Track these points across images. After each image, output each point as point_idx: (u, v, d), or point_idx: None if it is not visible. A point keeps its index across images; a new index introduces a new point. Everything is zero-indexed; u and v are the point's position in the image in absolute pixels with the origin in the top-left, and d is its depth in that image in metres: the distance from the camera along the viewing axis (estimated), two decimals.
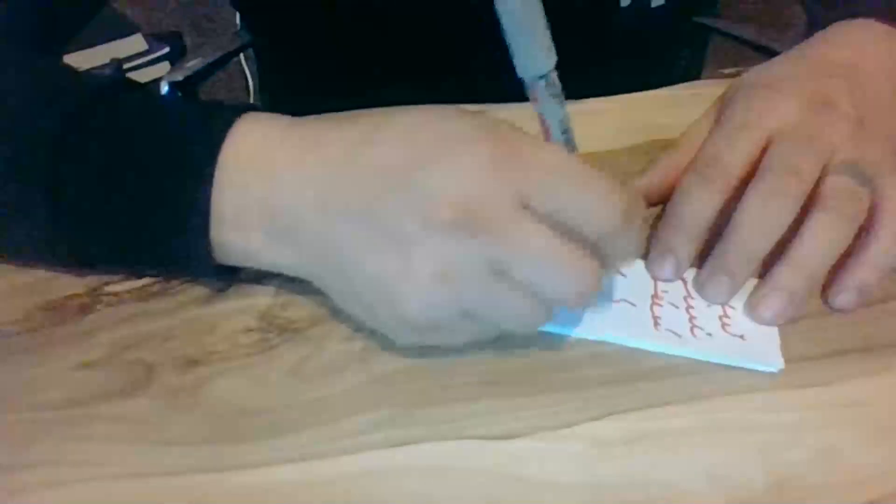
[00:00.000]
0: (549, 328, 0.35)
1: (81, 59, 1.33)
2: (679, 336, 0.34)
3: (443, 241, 0.29)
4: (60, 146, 0.32)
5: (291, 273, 0.34)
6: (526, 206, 0.29)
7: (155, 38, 1.44)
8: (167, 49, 1.43)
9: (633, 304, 0.36)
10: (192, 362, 0.33)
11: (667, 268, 0.37)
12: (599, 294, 0.36)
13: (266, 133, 0.33)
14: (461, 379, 0.33)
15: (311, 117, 0.33)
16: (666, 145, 0.43)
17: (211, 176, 0.32)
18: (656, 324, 0.35)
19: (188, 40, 1.53)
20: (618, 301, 0.36)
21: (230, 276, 0.36)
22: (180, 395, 0.32)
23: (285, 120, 0.34)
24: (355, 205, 0.30)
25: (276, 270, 0.35)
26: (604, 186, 0.30)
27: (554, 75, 0.30)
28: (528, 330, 0.32)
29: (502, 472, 0.30)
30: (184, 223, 0.32)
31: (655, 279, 0.37)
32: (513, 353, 0.34)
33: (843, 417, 0.31)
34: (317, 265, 0.33)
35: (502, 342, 0.34)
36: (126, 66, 1.38)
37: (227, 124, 0.33)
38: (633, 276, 0.37)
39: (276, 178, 0.32)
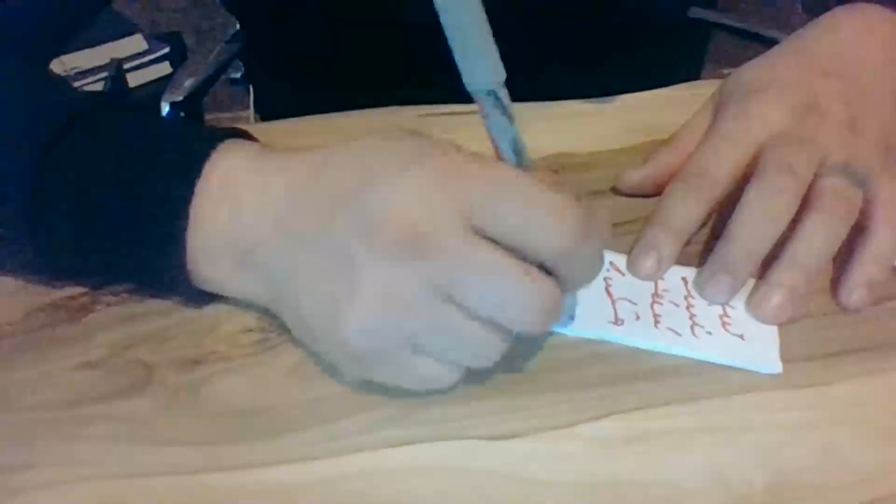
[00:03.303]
0: (553, 327, 0.34)
1: (81, 59, 1.33)
2: (679, 335, 0.34)
3: (387, 263, 0.28)
4: (41, 169, 0.32)
5: (257, 302, 0.34)
6: (473, 226, 0.28)
7: (155, 38, 1.44)
8: (167, 49, 1.43)
9: (633, 303, 0.36)
10: (192, 362, 0.33)
11: (648, 264, 0.37)
12: (600, 293, 0.36)
13: (237, 163, 0.33)
14: (461, 379, 0.33)
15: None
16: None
17: (185, 213, 0.32)
18: (656, 322, 0.35)
19: (188, 40, 1.53)
20: (618, 300, 0.36)
21: (211, 298, 0.35)
22: (180, 395, 0.32)
23: (257, 147, 0.34)
24: (309, 228, 0.30)
25: (243, 298, 0.34)
26: (553, 202, 0.28)
27: (503, 91, 0.29)
28: (483, 362, 0.30)
29: (502, 472, 0.30)
30: (159, 259, 0.32)
31: (636, 276, 0.37)
32: (513, 353, 0.34)
33: (843, 417, 0.31)
34: (274, 292, 0.32)
35: None
36: (126, 66, 1.38)
37: (202, 157, 0.32)
38: (633, 275, 0.37)
39: (242, 203, 0.32)
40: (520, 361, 0.33)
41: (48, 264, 0.35)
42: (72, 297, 0.36)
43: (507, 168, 0.29)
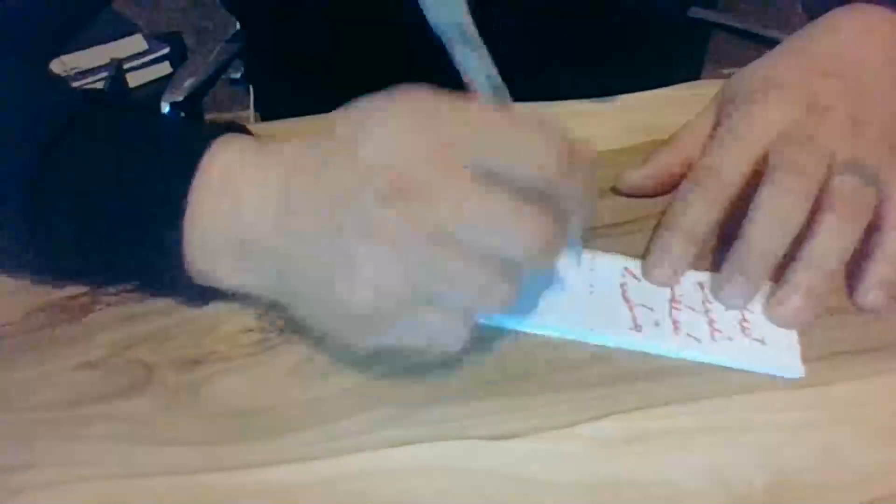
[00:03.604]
0: (569, 334, 0.34)
1: (81, 59, 1.33)
2: (699, 341, 0.34)
3: (382, 217, 0.27)
4: (40, 169, 0.32)
5: (260, 293, 0.34)
6: (461, 165, 0.28)
7: (155, 38, 1.44)
8: (167, 49, 1.43)
9: (651, 309, 0.35)
10: (192, 362, 0.33)
11: (664, 269, 0.37)
12: (618, 299, 0.36)
13: (234, 157, 0.32)
14: (461, 379, 0.33)
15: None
16: None
17: (183, 209, 0.32)
18: (676, 328, 0.35)
19: (188, 40, 1.53)
20: (636, 306, 0.36)
21: (212, 295, 0.35)
22: (180, 395, 0.32)
23: (253, 141, 0.34)
24: (304, 210, 0.30)
25: (247, 291, 0.34)
26: (535, 132, 0.28)
27: (470, 25, 0.28)
28: (491, 306, 0.29)
29: (502, 472, 0.30)
30: (159, 255, 0.32)
31: (652, 283, 0.37)
32: (513, 353, 0.34)
33: (843, 417, 0.31)
34: (279, 281, 0.32)
35: (502, 342, 0.34)
36: (126, 66, 1.38)
37: (199, 153, 0.32)
38: (649, 281, 0.37)
39: (241, 201, 0.32)
40: (520, 361, 0.34)
41: (48, 264, 0.35)
42: (72, 297, 0.36)
43: (484, 104, 0.29)
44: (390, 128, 0.28)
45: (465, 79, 0.30)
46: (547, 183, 0.28)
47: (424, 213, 0.27)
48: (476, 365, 0.33)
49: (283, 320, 0.35)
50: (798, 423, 0.31)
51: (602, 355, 0.34)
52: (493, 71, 0.29)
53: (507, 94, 0.30)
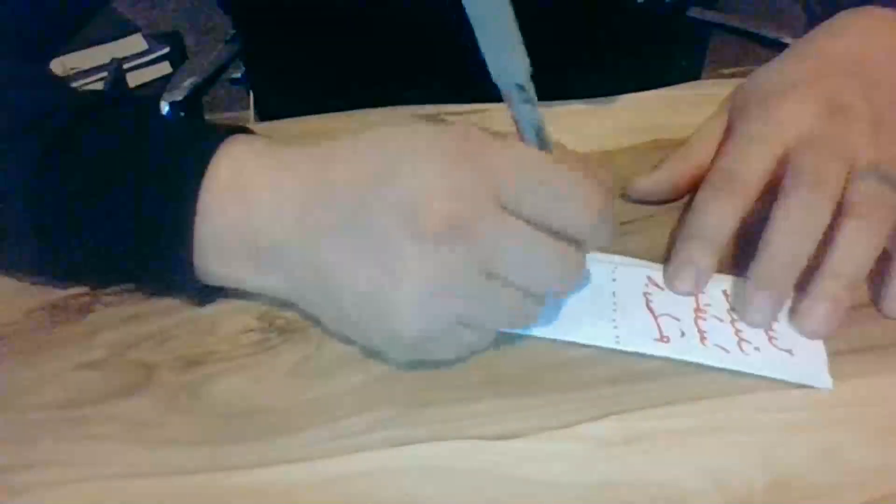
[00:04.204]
0: (597, 343, 0.34)
1: (81, 59, 1.33)
2: (727, 351, 0.34)
3: (432, 252, 0.29)
4: (43, 169, 0.32)
5: (279, 296, 0.34)
6: (501, 203, 0.29)
7: (155, 38, 1.44)
8: (167, 49, 1.43)
9: (676, 319, 0.35)
10: (192, 362, 0.33)
11: (687, 279, 0.36)
12: (642, 309, 0.36)
13: (244, 159, 0.33)
14: (461, 379, 0.33)
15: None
16: (666, 145, 0.43)
17: (193, 209, 0.32)
18: (703, 338, 0.34)
19: (188, 40, 1.53)
20: (661, 315, 0.35)
21: (216, 295, 0.36)
22: (180, 395, 0.32)
23: (262, 144, 0.34)
24: (334, 221, 0.30)
25: (263, 293, 0.35)
26: (575, 183, 0.30)
27: (529, 83, 0.30)
28: (523, 324, 0.32)
29: (502, 472, 0.30)
30: (168, 254, 0.32)
31: (675, 292, 0.36)
32: (513, 353, 0.34)
33: (843, 417, 0.31)
34: (303, 288, 0.33)
35: (502, 342, 0.34)
36: (126, 66, 1.38)
37: (209, 153, 0.32)
38: (672, 291, 0.37)
39: (254, 203, 0.32)
40: (520, 361, 0.34)
41: (52, 268, 0.35)
42: (72, 297, 0.36)
43: (530, 150, 0.31)
44: (434, 163, 0.29)
45: (516, 126, 0.31)
46: (579, 231, 0.31)
47: (471, 252, 0.29)
48: (476, 365, 0.33)
49: (283, 320, 0.35)
50: (798, 423, 0.31)
51: (602, 355, 0.34)
52: (541, 120, 0.31)
53: (548, 140, 0.32)
